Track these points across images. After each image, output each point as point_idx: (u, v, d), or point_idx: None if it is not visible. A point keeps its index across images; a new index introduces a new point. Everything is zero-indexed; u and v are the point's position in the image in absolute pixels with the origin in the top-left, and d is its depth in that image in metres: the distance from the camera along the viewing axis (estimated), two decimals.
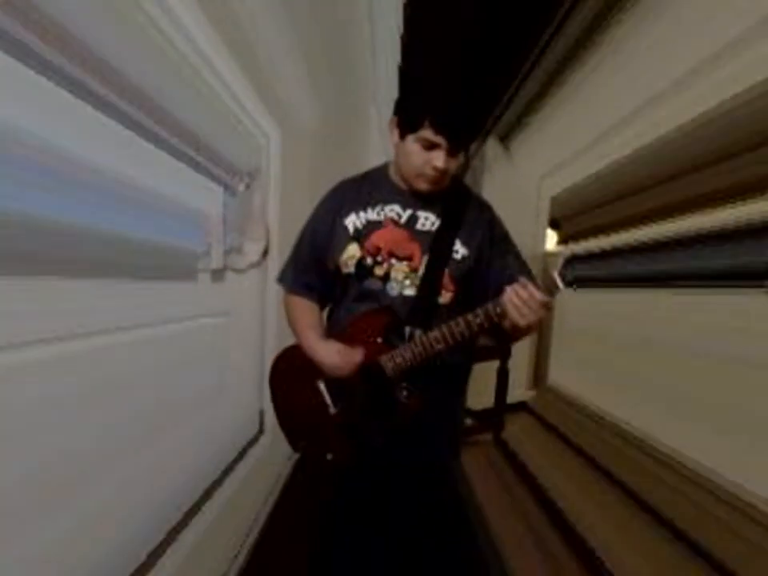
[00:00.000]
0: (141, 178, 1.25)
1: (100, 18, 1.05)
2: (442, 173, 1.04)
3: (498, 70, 2.41)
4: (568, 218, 2.82)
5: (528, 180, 3.16)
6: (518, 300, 0.93)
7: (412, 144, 1.03)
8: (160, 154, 1.34)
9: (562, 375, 2.95)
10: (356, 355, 1.07)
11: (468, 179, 2.99)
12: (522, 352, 3.02)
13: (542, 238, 3.13)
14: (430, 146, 1.02)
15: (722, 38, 1.47)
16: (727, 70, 1.46)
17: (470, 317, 0.99)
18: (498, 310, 0.97)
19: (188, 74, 1.46)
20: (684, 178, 1.65)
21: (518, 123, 3.14)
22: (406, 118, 1.05)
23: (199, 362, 1.74)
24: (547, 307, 0.95)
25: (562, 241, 3.09)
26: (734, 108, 1.42)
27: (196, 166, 1.58)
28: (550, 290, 0.96)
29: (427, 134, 1.00)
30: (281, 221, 2.24)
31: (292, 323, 1.22)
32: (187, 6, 1.32)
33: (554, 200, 3.03)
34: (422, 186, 1.08)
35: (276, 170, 2.22)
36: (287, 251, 1.29)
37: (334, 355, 1.09)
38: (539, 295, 0.93)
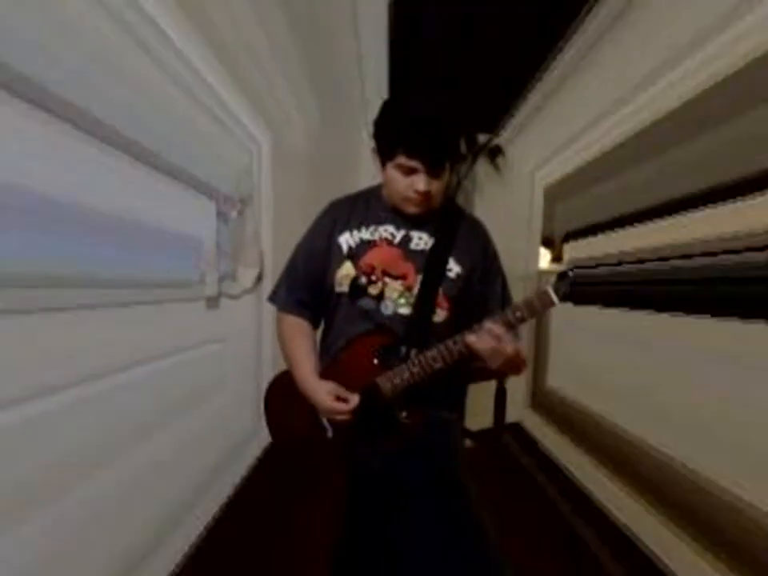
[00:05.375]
0: (131, 211, 1.26)
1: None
2: (426, 195, 1.04)
3: (466, 85, 2.42)
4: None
5: (521, 195, 3.19)
6: (485, 344, 0.94)
7: (392, 171, 1.05)
8: (150, 183, 1.36)
9: (560, 389, 2.92)
10: (351, 401, 1.04)
11: (460, 200, 3.03)
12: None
13: (535, 256, 3.14)
14: (409, 171, 1.03)
15: (702, 23, 1.48)
16: (710, 52, 1.47)
17: (467, 335, 0.98)
18: (463, 349, 0.97)
19: (178, 104, 1.49)
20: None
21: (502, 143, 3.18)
22: (381, 148, 1.06)
23: (198, 391, 1.72)
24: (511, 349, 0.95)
25: (555, 258, 3.10)
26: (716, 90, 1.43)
27: (187, 193, 1.59)
28: (535, 309, 0.95)
29: (402, 160, 1.01)
30: (274, 245, 2.24)
31: (285, 348, 1.17)
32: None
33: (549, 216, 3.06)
34: (410, 209, 1.09)
35: (269, 196, 2.23)
36: None
37: (327, 399, 1.04)
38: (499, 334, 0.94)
